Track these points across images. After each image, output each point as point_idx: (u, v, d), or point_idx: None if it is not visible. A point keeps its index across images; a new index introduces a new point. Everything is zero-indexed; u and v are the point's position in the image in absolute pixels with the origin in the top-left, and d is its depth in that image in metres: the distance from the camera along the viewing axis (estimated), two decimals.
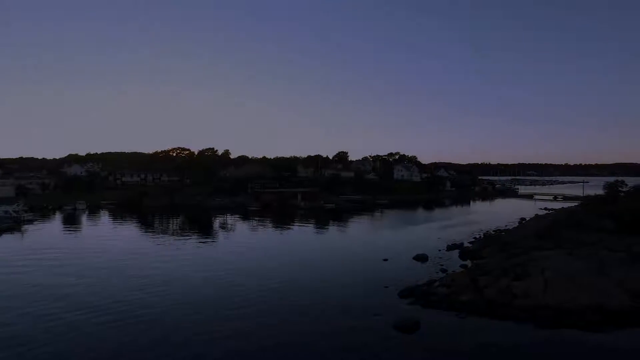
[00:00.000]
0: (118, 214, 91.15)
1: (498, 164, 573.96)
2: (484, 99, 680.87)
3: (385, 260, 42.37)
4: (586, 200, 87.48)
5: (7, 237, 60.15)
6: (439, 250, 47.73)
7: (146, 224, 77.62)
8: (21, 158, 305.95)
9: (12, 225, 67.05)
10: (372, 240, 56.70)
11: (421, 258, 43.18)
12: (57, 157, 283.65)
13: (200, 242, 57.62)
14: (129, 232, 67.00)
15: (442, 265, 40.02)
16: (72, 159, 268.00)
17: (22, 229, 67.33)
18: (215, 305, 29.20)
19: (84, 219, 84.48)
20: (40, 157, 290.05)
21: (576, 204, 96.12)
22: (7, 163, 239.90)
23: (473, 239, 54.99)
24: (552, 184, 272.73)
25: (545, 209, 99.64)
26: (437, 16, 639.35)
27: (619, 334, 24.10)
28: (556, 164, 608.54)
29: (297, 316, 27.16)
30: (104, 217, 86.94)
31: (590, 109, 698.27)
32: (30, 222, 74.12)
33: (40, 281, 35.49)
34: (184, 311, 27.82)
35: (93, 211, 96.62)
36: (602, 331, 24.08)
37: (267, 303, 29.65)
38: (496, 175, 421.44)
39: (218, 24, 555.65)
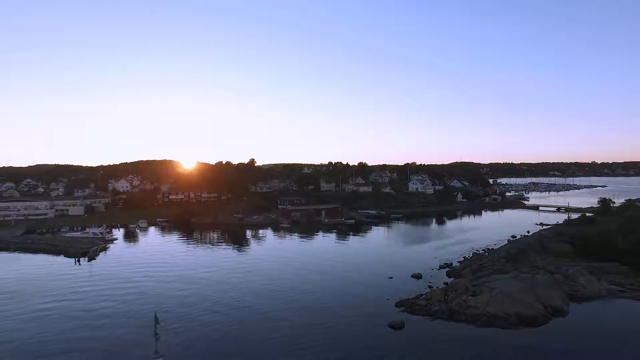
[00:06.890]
0: (175, 231, 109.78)
1: (521, 163, 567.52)
2: (508, 94, 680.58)
3: (390, 278, 58.17)
4: (569, 217, 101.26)
5: (112, 256, 79.17)
6: (432, 269, 63.14)
7: (205, 240, 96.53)
8: (57, 165, 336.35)
9: (104, 245, 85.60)
10: (382, 259, 72.14)
11: (417, 276, 58.80)
12: (94, 165, 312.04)
13: (251, 254, 75.17)
14: (197, 246, 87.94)
15: (430, 282, 55.54)
16: (109, 169, 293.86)
17: (107, 247, 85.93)
18: (256, 303, 46.19)
19: (151, 235, 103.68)
20: (75, 164, 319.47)
21: (577, 215, 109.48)
22: (41, 171, 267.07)
23: (462, 259, 69.86)
24: (567, 189, 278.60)
25: (541, 224, 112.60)
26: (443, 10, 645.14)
27: (527, 332, 39.33)
28: (582, 162, 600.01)
29: (318, 316, 43.41)
30: (165, 234, 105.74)
31: (619, 106, 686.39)
32: (111, 241, 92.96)
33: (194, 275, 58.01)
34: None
35: (152, 228, 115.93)
36: (515, 330, 39.43)
37: (296, 303, 47.34)
38: (517, 176, 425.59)
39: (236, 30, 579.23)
